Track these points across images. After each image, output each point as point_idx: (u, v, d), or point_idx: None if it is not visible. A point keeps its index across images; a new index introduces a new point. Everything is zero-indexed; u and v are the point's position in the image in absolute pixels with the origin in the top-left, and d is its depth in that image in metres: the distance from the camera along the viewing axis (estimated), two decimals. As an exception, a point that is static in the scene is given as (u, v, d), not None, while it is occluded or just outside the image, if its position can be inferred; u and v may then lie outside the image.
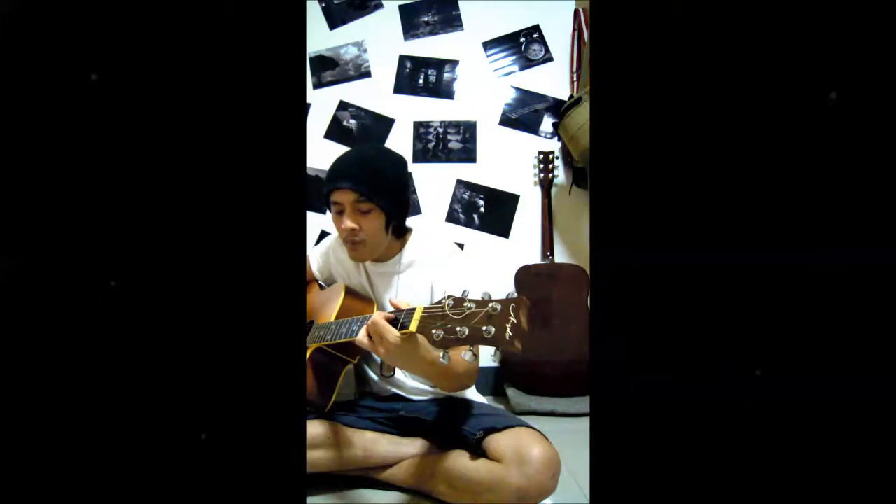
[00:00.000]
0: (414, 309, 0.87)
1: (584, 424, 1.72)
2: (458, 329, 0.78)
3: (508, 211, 2.19)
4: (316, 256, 1.44)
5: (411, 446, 1.20)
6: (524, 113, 2.22)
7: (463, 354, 0.79)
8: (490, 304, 0.77)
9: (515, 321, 0.74)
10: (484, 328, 0.76)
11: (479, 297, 0.79)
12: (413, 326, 0.84)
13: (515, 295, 0.76)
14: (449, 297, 0.82)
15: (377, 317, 0.89)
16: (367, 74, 2.25)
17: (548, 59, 2.23)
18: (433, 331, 0.81)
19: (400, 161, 1.23)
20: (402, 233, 1.27)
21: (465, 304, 0.79)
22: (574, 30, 2.19)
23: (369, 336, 0.91)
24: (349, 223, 1.15)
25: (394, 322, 0.89)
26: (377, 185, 1.14)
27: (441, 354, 0.81)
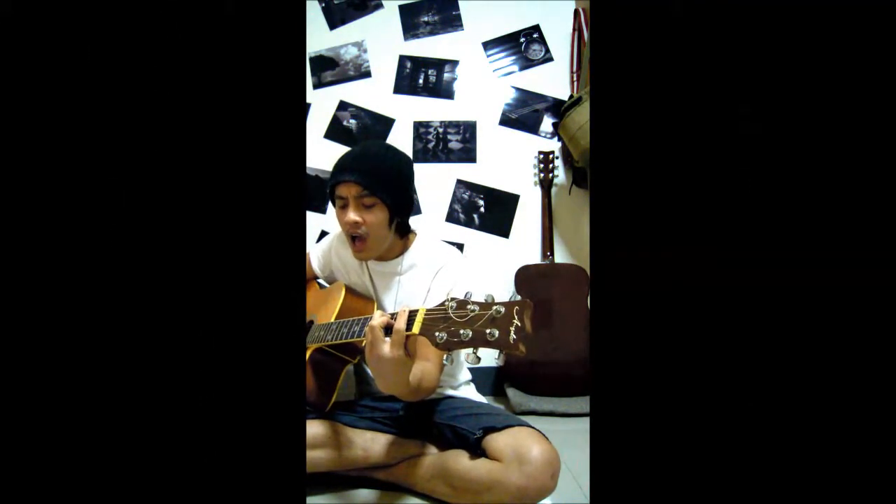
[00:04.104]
0: (416, 311, 0.86)
1: (584, 424, 1.73)
2: (461, 332, 0.78)
3: (508, 211, 2.19)
4: (317, 254, 1.44)
5: (411, 446, 1.20)
6: (524, 113, 2.22)
7: (465, 357, 0.78)
8: (494, 307, 0.76)
9: (519, 324, 0.74)
10: (488, 331, 0.75)
11: (482, 300, 0.79)
12: (416, 328, 0.84)
13: (519, 297, 0.76)
14: (452, 299, 0.82)
15: (375, 321, 0.89)
16: (367, 74, 2.24)
17: (548, 59, 2.23)
18: (436, 333, 0.80)
19: (405, 159, 1.23)
20: (405, 232, 1.27)
21: (469, 307, 0.79)
22: (574, 30, 2.19)
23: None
24: (352, 216, 1.15)
25: (388, 329, 0.89)
26: (381, 180, 1.15)
27: (444, 357, 0.81)
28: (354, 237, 1.18)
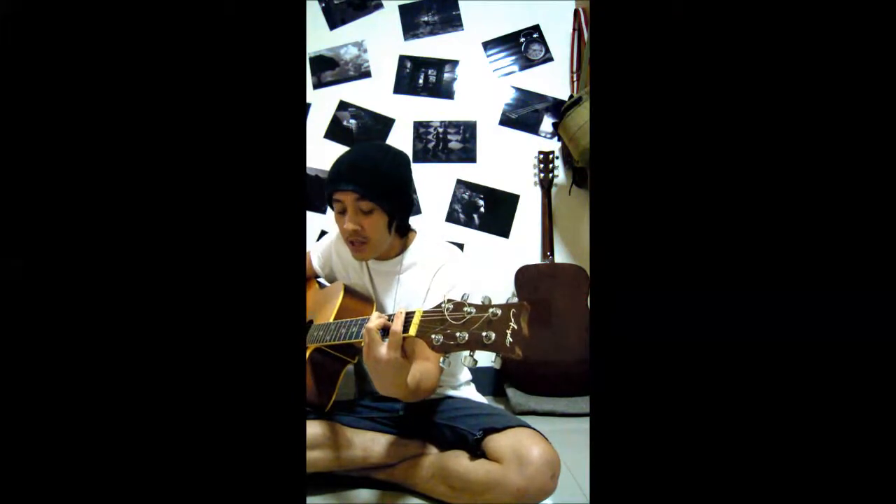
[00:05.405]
0: (413, 313, 0.86)
1: (584, 424, 1.73)
2: (457, 334, 0.77)
3: (508, 211, 2.19)
4: (318, 253, 1.44)
5: (411, 446, 1.20)
6: (524, 113, 2.22)
7: (464, 360, 0.78)
8: (490, 310, 0.76)
9: (516, 327, 0.74)
10: (484, 334, 0.75)
11: (479, 302, 0.79)
12: (412, 331, 0.84)
13: (516, 300, 0.76)
14: (449, 301, 0.82)
15: (372, 323, 0.89)
16: (367, 74, 2.24)
17: (548, 59, 2.23)
18: (432, 335, 0.80)
19: (402, 159, 1.22)
20: (405, 231, 1.27)
21: (465, 309, 0.79)
22: (574, 30, 2.19)
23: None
24: (351, 225, 1.15)
25: (385, 331, 0.89)
26: (379, 186, 1.14)
27: (441, 359, 0.81)
28: (353, 241, 1.18)
